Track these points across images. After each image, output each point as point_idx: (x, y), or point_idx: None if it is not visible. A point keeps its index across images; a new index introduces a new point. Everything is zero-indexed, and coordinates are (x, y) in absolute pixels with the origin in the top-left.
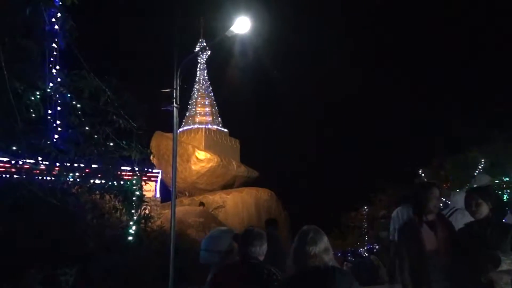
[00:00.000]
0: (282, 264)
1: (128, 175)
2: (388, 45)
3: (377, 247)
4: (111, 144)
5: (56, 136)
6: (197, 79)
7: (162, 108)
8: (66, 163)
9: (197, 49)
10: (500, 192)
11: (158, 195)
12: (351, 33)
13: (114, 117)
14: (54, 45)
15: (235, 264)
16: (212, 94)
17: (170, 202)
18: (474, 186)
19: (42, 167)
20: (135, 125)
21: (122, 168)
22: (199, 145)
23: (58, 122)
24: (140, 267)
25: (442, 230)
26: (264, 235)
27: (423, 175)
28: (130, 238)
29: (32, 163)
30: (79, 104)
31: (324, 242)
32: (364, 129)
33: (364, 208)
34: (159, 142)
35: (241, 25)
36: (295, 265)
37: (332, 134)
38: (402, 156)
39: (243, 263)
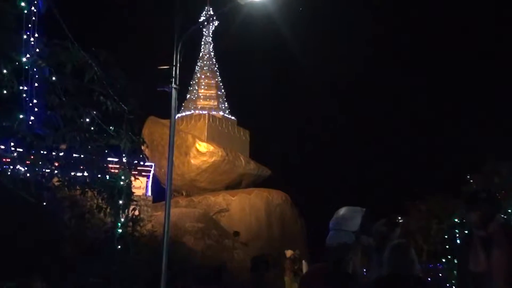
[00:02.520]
0: None
1: (115, 168)
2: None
3: None
4: (97, 129)
5: (31, 118)
6: (200, 55)
7: (158, 89)
8: (43, 150)
9: (202, 18)
10: None
11: (149, 193)
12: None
13: (101, 97)
14: (32, 8)
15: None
16: (218, 74)
17: (163, 202)
18: None
19: (14, 154)
20: (126, 108)
21: (109, 159)
22: (200, 135)
23: (34, 101)
24: (126, 279)
25: (500, 248)
26: None
27: (471, 181)
28: (115, 243)
29: (2, 149)
30: (60, 80)
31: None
32: (401, 124)
33: (398, 219)
34: (153, 129)
35: None
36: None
37: (363, 128)
38: (446, 158)
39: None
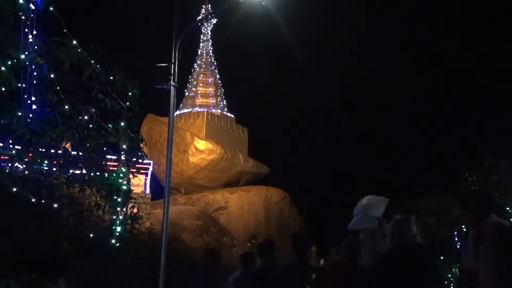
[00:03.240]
0: None
1: (114, 166)
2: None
3: None
4: (95, 127)
5: (30, 115)
6: (199, 53)
7: (157, 86)
8: (41, 148)
9: (200, 16)
10: None
11: (148, 191)
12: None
13: (100, 95)
14: (30, 5)
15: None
16: (217, 71)
17: (162, 200)
18: None
19: (13, 152)
20: (124, 105)
21: (107, 156)
22: (199, 132)
23: (32, 98)
24: (125, 277)
25: (488, 246)
26: None
27: (470, 179)
28: (113, 241)
29: (0, 146)
30: (58, 78)
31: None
32: (400, 122)
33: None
34: (152, 127)
35: None
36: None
37: (362, 125)
38: (445, 156)
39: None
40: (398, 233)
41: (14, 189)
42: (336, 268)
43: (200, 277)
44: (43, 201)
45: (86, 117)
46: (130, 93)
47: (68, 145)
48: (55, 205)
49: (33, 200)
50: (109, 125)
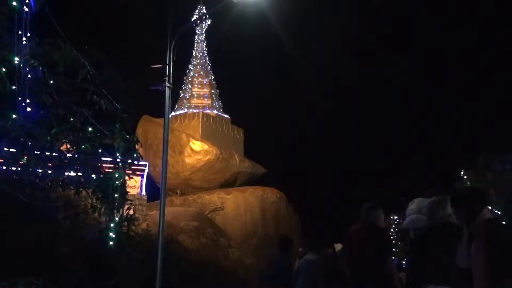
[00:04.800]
0: None
1: (109, 168)
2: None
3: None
4: (90, 129)
5: (24, 117)
6: (194, 54)
7: (152, 88)
8: (36, 150)
9: (194, 17)
10: None
11: (144, 192)
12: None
13: (95, 96)
14: (24, 7)
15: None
16: (212, 72)
17: (158, 201)
18: None
19: (7, 154)
20: (119, 107)
21: (103, 158)
22: (194, 133)
23: (27, 101)
24: (121, 279)
25: (478, 243)
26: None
27: (465, 177)
28: (109, 243)
29: None
30: (52, 80)
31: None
32: (396, 122)
33: (393, 218)
34: (147, 128)
35: None
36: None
37: (359, 125)
38: (440, 155)
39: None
40: (435, 212)
41: (10, 192)
42: (359, 230)
43: (275, 266)
44: (38, 203)
45: (81, 119)
46: (124, 95)
47: (63, 147)
48: (51, 207)
49: (29, 202)
50: (104, 127)
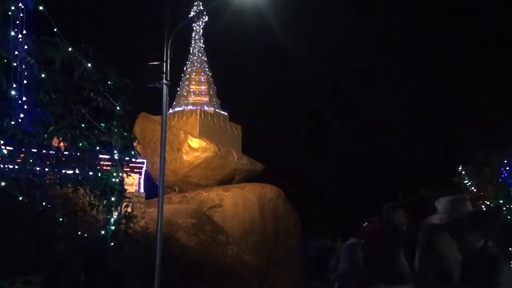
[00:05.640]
0: None
1: (107, 165)
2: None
3: None
4: (87, 126)
5: (21, 115)
6: (191, 51)
7: (149, 85)
8: (33, 148)
9: (192, 14)
10: None
11: (142, 190)
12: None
13: (92, 94)
14: (20, 4)
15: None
16: (209, 69)
17: (156, 199)
18: None
19: (5, 152)
20: (116, 104)
21: (100, 156)
22: (192, 130)
23: (24, 98)
24: (120, 276)
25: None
26: None
27: (463, 173)
28: (108, 241)
29: None
30: (49, 77)
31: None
32: (393, 117)
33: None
34: (144, 126)
35: None
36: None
37: (355, 120)
38: (438, 150)
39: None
40: (456, 209)
41: (7, 190)
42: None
43: (313, 246)
44: (36, 201)
45: (78, 117)
46: (122, 92)
47: (60, 145)
48: (49, 206)
49: (27, 201)
50: (102, 124)
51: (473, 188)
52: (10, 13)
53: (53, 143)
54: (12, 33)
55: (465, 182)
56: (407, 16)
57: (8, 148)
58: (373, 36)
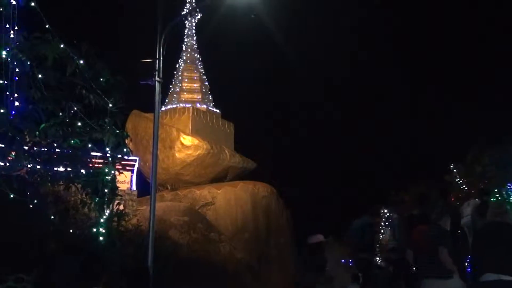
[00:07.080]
0: None
1: (99, 163)
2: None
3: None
4: (79, 124)
5: (12, 112)
6: (184, 48)
7: (141, 82)
8: (25, 145)
9: (185, 11)
10: None
11: (134, 187)
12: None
13: (84, 91)
14: (12, 0)
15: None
16: (201, 67)
17: (148, 196)
18: None
19: None
20: (109, 101)
21: (92, 153)
22: (184, 128)
23: (15, 95)
24: (112, 274)
25: None
26: None
27: (455, 171)
28: (100, 238)
29: None
30: (41, 74)
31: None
32: (386, 115)
33: (384, 211)
34: (137, 123)
35: None
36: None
37: (348, 118)
38: (430, 147)
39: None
40: (489, 214)
41: None
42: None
43: (360, 222)
44: (28, 199)
45: (70, 114)
46: (114, 89)
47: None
48: (40, 203)
49: (18, 198)
50: (94, 121)
51: (464, 186)
52: (1, 9)
53: (46, 141)
54: (3, 30)
55: (457, 180)
56: (406, 14)
57: None
58: (371, 33)
